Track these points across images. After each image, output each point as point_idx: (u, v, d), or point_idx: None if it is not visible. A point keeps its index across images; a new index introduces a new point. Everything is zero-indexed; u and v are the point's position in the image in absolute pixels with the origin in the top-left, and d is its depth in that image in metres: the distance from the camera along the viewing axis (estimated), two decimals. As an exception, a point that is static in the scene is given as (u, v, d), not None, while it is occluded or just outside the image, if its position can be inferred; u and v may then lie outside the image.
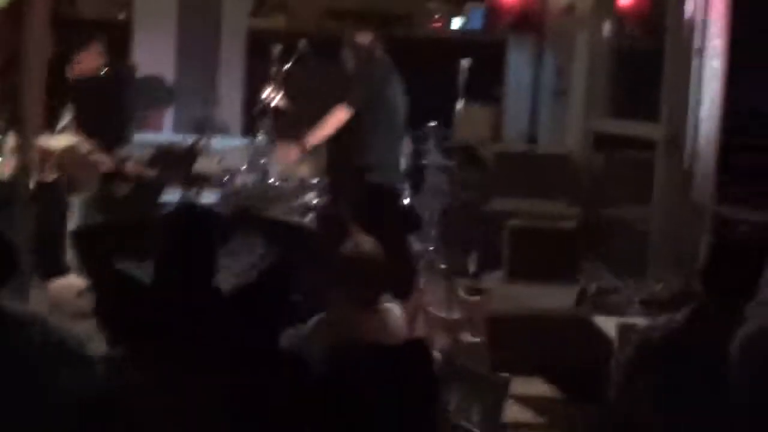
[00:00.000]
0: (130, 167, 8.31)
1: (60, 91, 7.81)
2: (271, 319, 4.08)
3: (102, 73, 8.11)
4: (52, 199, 7.57)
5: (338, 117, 7.82)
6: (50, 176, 7.57)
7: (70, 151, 7.82)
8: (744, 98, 7.58)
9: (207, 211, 4.16)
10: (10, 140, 7.06)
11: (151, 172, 8.68)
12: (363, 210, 6.32)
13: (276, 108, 8.73)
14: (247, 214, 4.74)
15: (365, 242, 4.44)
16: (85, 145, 7.99)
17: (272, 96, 8.67)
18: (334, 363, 4.00)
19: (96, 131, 8.18)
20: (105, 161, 8.06)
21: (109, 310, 4.19)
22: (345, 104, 7.80)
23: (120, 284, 4.11)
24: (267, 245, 4.38)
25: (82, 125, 8.07)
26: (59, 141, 7.84)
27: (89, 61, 8.06)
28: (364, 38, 8.07)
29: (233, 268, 4.42)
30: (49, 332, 3.64)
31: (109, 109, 9.60)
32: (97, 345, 3.83)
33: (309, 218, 7.71)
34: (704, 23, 7.35)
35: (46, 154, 7.53)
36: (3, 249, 3.65)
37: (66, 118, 8.00)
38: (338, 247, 4.37)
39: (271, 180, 9.06)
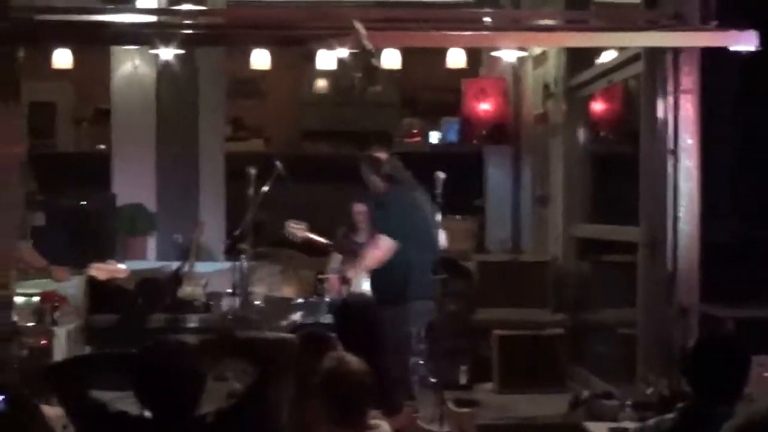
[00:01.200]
0: None
1: None
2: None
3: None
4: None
5: (384, 247, 7.74)
6: None
7: None
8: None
9: (184, 344, 4.15)
10: None
11: None
12: (352, 326, 6.30)
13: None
14: (230, 338, 4.70)
15: (349, 360, 4.40)
16: None
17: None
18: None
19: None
20: None
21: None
22: (384, 235, 7.73)
23: (99, 416, 4.09)
24: (249, 365, 4.36)
25: None
26: None
27: None
28: (381, 154, 8.05)
29: (220, 392, 4.38)
30: None
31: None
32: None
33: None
34: (676, 124, 7.41)
35: None
36: None
37: None
38: (321, 365, 4.34)
39: (256, 302, 9.06)
